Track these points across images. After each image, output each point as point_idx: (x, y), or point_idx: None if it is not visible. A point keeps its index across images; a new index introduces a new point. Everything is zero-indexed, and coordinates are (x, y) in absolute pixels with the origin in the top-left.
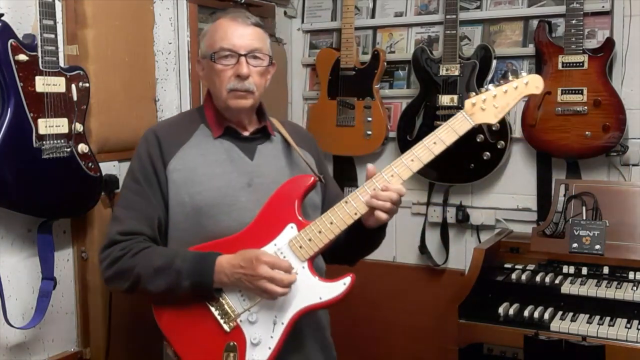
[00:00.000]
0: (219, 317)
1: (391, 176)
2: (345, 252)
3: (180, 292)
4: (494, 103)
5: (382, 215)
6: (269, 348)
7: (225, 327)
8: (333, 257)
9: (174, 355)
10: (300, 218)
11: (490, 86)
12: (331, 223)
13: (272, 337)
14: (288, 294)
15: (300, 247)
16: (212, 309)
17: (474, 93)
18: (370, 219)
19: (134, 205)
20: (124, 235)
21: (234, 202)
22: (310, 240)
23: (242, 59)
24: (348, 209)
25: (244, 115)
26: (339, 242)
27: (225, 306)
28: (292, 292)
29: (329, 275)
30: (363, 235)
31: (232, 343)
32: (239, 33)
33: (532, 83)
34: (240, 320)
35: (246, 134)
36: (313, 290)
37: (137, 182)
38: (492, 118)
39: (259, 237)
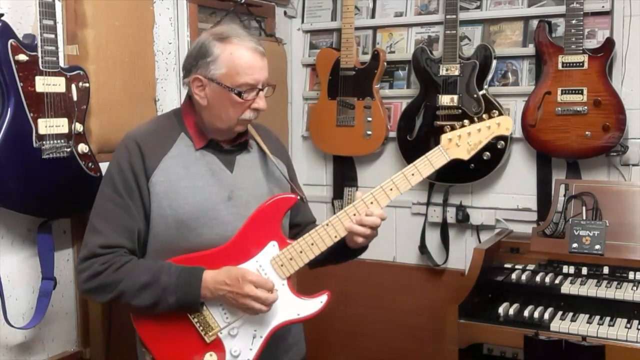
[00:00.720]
0: (199, 329)
1: (371, 203)
2: (325, 262)
3: (165, 306)
4: (468, 140)
5: (360, 240)
6: (248, 359)
7: (206, 338)
8: (313, 264)
9: None
10: (282, 236)
11: (466, 122)
12: (312, 244)
13: (250, 349)
14: (269, 310)
15: (282, 265)
16: (194, 320)
17: (449, 128)
18: (350, 240)
19: (114, 217)
20: (104, 248)
21: (215, 216)
22: (291, 259)
23: (262, 93)
24: (329, 232)
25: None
26: (318, 257)
27: (207, 318)
28: (273, 309)
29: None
30: (343, 251)
31: (211, 353)
32: (259, 65)
33: (503, 125)
34: (221, 333)
35: (227, 146)
36: (292, 306)
37: (118, 193)
38: (465, 154)
39: (241, 252)
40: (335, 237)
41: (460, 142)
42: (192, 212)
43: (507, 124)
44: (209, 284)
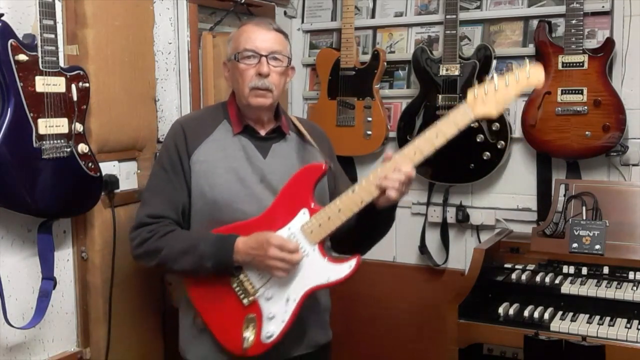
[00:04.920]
0: (238, 293)
1: (393, 170)
2: (358, 237)
3: (203, 271)
4: (496, 96)
5: (392, 193)
6: (282, 321)
7: (244, 301)
8: (345, 246)
9: (202, 324)
10: (312, 204)
11: (494, 77)
12: (339, 210)
13: (285, 311)
14: (300, 273)
15: (312, 232)
16: (233, 285)
17: (477, 82)
18: (380, 200)
19: (161, 190)
20: (152, 218)
21: (249, 193)
22: (320, 225)
23: (264, 59)
24: (354, 198)
25: (263, 114)
26: (351, 229)
27: (245, 283)
28: (304, 272)
29: None
30: (373, 217)
31: (250, 316)
32: (262, 37)
33: (534, 76)
34: (258, 296)
35: (263, 132)
36: (323, 270)
37: (165, 170)
38: (492, 111)
39: (274, 221)
40: (361, 202)
41: (487, 99)
42: (228, 189)
43: (538, 74)
44: (240, 249)
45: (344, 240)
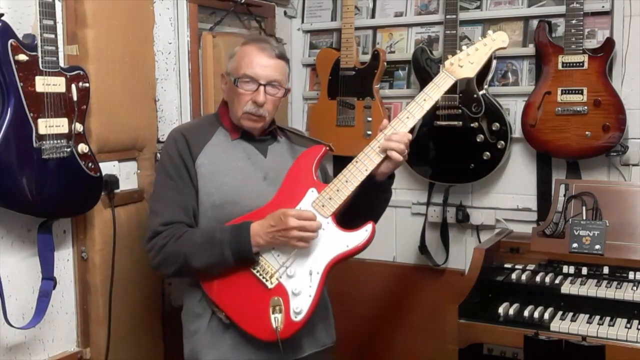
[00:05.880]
0: (260, 277)
1: (391, 133)
2: (362, 210)
3: (224, 262)
4: (469, 60)
5: (395, 155)
6: (310, 296)
7: (268, 284)
8: (355, 210)
9: (226, 318)
10: (318, 182)
11: (464, 46)
12: (346, 181)
13: (310, 286)
14: (319, 246)
15: (323, 205)
16: (254, 271)
17: (450, 55)
18: (381, 167)
19: (169, 198)
20: (164, 225)
21: (253, 190)
22: (330, 198)
23: (261, 88)
24: (359, 167)
25: (255, 129)
26: (356, 205)
27: (265, 266)
28: (323, 244)
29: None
30: (374, 189)
31: (276, 297)
32: (263, 63)
33: (498, 38)
34: (280, 276)
35: (258, 136)
36: (340, 240)
37: (170, 177)
38: (469, 72)
39: (284, 204)
40: (366, 170)
41: (463, 63)
42: (233, 187)
43: (502, 37)
44: (258, 231)
45: (348, 220)
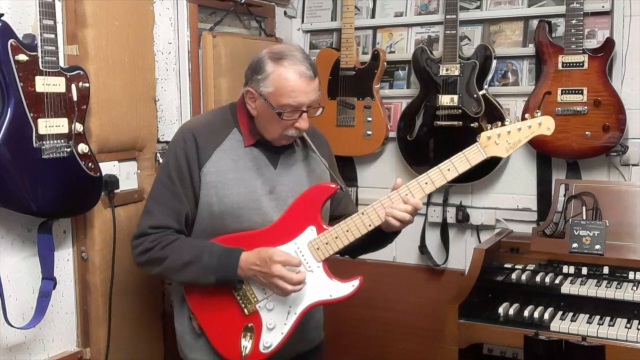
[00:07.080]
0: (240, 302)
1: (405, 195)
2: (355, 248)
3: (206, 282)
4: (507, 139)
5: (395, 223)
6: (282, 333)
7: (245, 310)
8: (352, 251)
9: (199, 328)
10: (320, 222)
11: (507, 122)
12: (347, 231)
13: (285, 324)
14: (303, 289)
15: (318, 248)
16: (235, 294)
17: (490, 126)
18: (386, 226)
19: (166, 201)
20: (154, 228)
21: (257, 206)
22: (327, 243)
23: (305, 114)
24: (364, 220)
25: None
26: (353, 242)
27: (247, 293)
28: (308, 288)
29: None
30: (377, 236)
31: (250, 324)
32: (306, 90)
33: (544, 124)
34: (259, 307)
35: (273, 145)
36: (326, 287)
37: (170, 179)
38: (503, 152)
39: (281, 235)
40: (370, 225)
41: (500, 140)
42: (236, 201)
43: (548, 123)
44: (245, 263)
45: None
